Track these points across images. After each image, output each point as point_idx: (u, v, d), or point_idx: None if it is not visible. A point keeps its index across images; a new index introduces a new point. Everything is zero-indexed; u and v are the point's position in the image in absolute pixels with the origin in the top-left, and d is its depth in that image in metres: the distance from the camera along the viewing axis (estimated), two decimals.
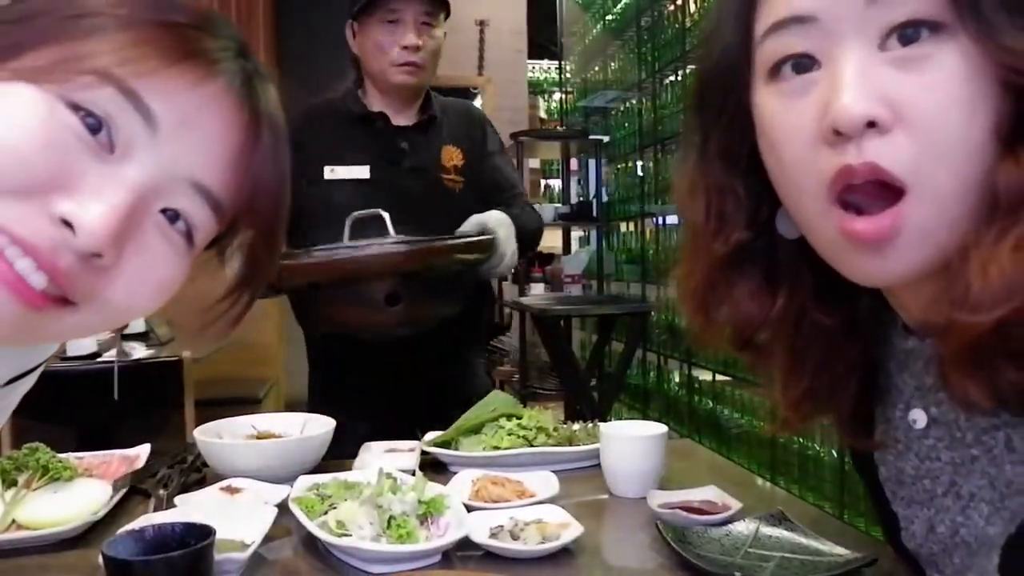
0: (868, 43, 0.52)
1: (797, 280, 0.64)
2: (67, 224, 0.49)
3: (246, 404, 3.23)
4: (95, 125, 0.50)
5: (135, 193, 0.51)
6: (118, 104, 0.51)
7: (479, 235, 1.48)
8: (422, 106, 1.73)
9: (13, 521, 1.00)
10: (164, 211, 0.54)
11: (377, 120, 1.68)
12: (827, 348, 0.66)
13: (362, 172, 1.64)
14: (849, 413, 0.69)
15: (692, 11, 3.25)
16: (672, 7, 3.48)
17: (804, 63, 0.55)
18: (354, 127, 1.69)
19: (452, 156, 1.71)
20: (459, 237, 1.47)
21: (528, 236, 1.66)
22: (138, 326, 3.09)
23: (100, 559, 0.76)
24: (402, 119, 1.71)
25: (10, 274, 0.49)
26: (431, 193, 1.65)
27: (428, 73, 1.68)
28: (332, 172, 1.64)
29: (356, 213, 1.43)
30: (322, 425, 1.27)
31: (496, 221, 1.52)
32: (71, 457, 1.16)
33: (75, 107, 0.50)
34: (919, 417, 0.64)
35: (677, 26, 3.40)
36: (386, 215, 1.40)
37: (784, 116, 0.56)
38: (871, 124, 0.51)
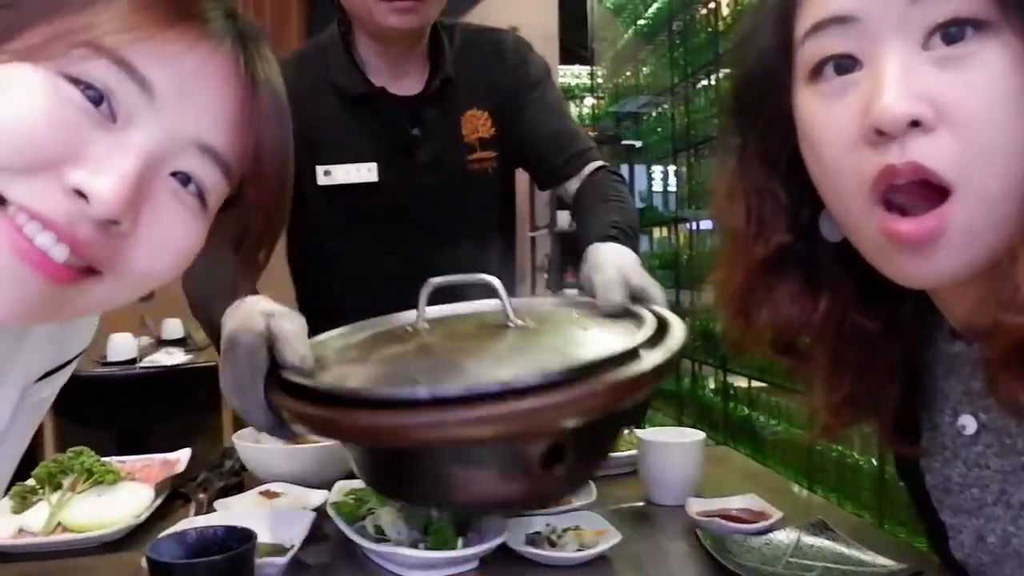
0: (911, 42, 0.51)
1: (839, 283, 0.63)
2: (80, 195, 0.50)
3: None
4: (96, 97, 0.51)
5: (142, 159, 0.53)
6: (114, 75, 0.52)
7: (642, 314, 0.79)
8: (432, 61, 1.28)
9: (58, 523, 1.01)
10: (175, 175, 0.56)
11: (376, 98, 1.26)
12: (869, 351, 0.65)
13: (367, 173, 1.24)
14: (892, 419, 0.68)
15: (724, 15, 3.23)
16: (704, 11, 3.45)
17: (845, 64, 0.54)
18: (349, 107, 1.26)
19: (476, 125, 1.29)
20: (645, 349, 0.69)
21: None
22: (176, 332, 3.14)
23: (143, 562, 0.77)
24: (406, 86, 1.27)
25: (32, 251, 0.50)
26: (454, 190, 1.28)
27: (431, 9, 1.20)
28: (328, 175, 1.24)
29: (436, 280, 0.86)
30: None
31: (641, 277, 0.87)
32: (114, 461, 1.18)
33: (75, 81, 0.51)
34: (968, 423, 0.63)
35: (709, 30, 3.36)
36: (499, 286, 0.83)
37: (825, 117, 0.55)
38: (914, 123, 0.50)
